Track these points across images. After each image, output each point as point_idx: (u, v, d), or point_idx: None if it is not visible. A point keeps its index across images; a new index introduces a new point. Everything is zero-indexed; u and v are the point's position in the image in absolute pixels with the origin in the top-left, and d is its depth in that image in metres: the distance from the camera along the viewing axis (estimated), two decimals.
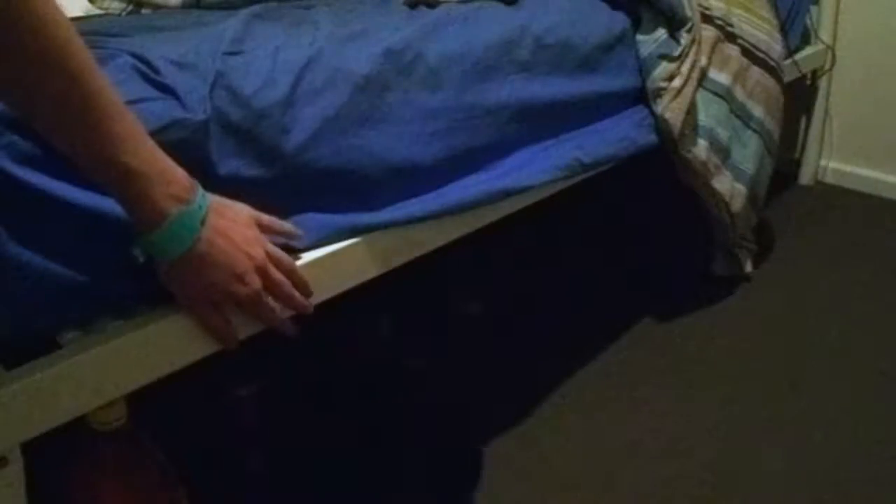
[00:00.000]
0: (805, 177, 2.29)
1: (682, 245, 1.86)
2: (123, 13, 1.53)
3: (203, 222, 0.77)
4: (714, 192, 1.55)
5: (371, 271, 1.04)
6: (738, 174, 1.59)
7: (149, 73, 0.87)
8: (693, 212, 1.62)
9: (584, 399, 1.38)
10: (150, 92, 0.85)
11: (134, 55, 0.89)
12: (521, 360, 1.51)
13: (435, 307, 1.69)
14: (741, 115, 1.59)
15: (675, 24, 1.44)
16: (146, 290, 0.88)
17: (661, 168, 1.52)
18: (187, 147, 0.86)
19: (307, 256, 0.97)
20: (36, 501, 0.80)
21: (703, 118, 1.50)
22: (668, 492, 1.17)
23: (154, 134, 0.82)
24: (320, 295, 0.99)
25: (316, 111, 0.97)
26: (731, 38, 1.58)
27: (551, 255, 1.91)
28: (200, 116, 0.86)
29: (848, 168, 2.24)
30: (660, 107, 1.42)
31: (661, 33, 1.44)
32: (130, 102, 0.82)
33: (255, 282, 0.84)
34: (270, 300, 0.87)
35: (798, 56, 1.95)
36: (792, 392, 1.39)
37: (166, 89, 0.86)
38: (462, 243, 1.17)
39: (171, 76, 0.87)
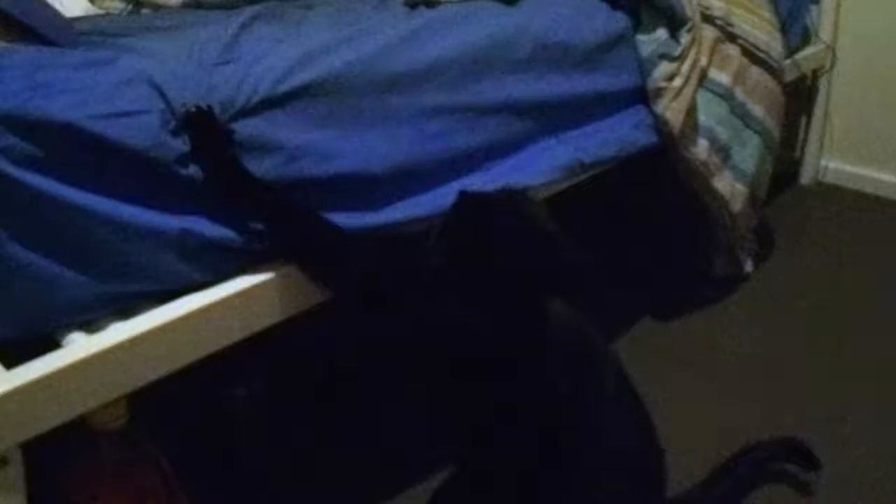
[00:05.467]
0: (805, 177, 2.29)
1: (682, 245, 1.86)
2: (124, 13, 1.54)
3: None
4: (714, 192, 1.54)
5: None
6: (738, 174, 1.59)
7: (146, 85, 0.87)
8: (693, 212, 1.62)
9: None
10: (145, 104, 0.85)
11: (137, 61, 0.90)
12: None
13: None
14: (741, 114, 1.59)
15: (675, 23, 1.44)
16: (146, 290, 0.89)
17: (661, 168, 1.52)
18: (179, 162, 0.86)
19: None
20: (36, 501, 0.80)
21: (703, 118, 1.50)
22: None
23: (142, 151, 0.82)
24: (319, 296, 0.99)
25: (311, 114, 0.97)
26: (732, 37, 1.58)
27: None
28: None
29: (848, 168, 2.24)
30: (660, 107, 1.42)
31: (662, 33, 1.44)
32: (125, 114, 0.83)
33: None
34: None
35: (798, 56, 1.95)
36: (792, 391, 1.39)
37: (158, 103, 0.86)
38: None
39: (165, 88, 0.87)
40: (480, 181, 1.16)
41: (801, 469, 1.20)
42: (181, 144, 0.86)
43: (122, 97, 0.84)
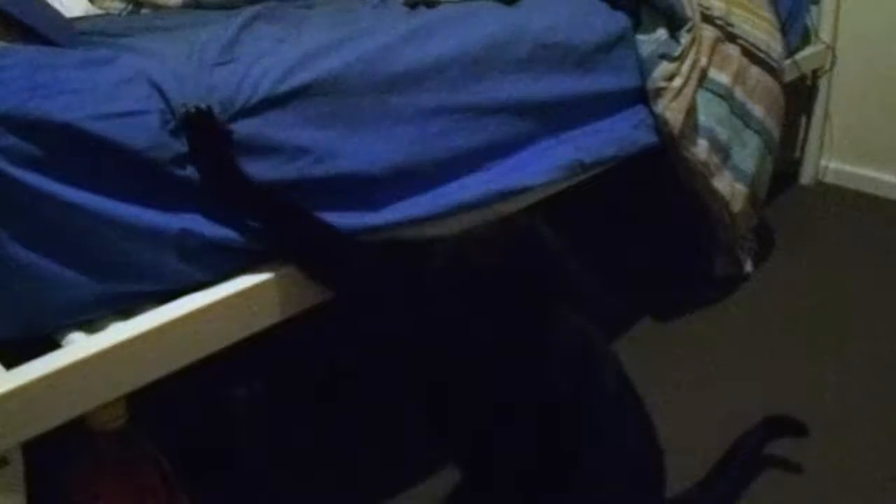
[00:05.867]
0: (805, 177, 2.29)
1: (682, 245, 1.86)
2: (123, 13, 1.54)
3: None
4: (714, 192, 1.54)
5: None
6: (738, 174, 1.59)
7: (146, 84, 0.87)
8: (693, 212, 1.62)
9: None
10: (145, 105, 0.85)
11: (138, 61, 0.90)
12: None
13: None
14: (741, 114, 1.59)
15: (675, 23, 1.44)
16: (146, 290, 0.89)
17: (661, 168, 1.52)
18: (178, 162, 0.86)
19: None
20: (36, 501, 0.80)
21: (703, 118, 1.50)
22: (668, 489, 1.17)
23: (142, 152, 0.82)
24: (319, 296, 0.99)
25: (311, 114, 0.97)
26: (732, 37, 1.58)
27: None
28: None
29: (848, 168, 2.24)
30: (660, 107, 1.42)
31: (662, 33, 1.44)
32: (126, 114, 0.82)
33: None
34: None
35: (798, 56, 1.95)
36: (792, 391, 1.39)
37: (158, 103, 0.86)
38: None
39: (165, 88, 0.87)
40: (480, 181, 1.16)
41: (792, 442, 1.22)
42: (181, 145, 0.86)
43: (121, 97, 0.84)
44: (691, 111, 1.46)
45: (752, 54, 1.61)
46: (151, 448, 0.96)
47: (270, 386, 1.33)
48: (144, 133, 0.83)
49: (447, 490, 1.18)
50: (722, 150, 1.54)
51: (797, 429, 1.21)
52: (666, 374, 1.43)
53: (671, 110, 1.42)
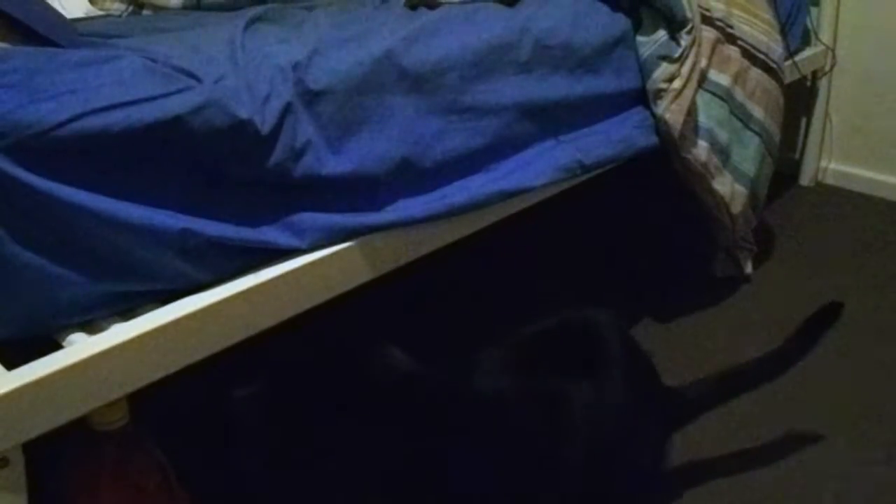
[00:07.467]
0: (805, 177, 2.29)
1: (682, 246, 1.86)
2: (124, 14, 1.54)
3: None
4: (714, 194, 1.55)
5: (371, 273, 1.04)
6: (738, 175, 1.59)
7: (151, 74, 0.87)
8: (693, 213, 1.62)
9: None
10: (161, 89, 0.85)
11: (142, 58, 0.90)
12: None
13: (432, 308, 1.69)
14: (741, 116, 1.59)
15: (675, 25, 1.44)
16: (146, 290, 0.89)
17: (662, 169, 1.52)
18: (190, 148, 0.86)
19: (307, 257, 0.98)
20: (36, 501, 0.80)
21: (703, 119, 1.50)
22: (668, 488, 1.17)
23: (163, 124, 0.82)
24: (320, 296, 1.00)
25: (314, 115, 0.98)
26: (731, 39, 1.58)
27: (552, 256, 1.91)
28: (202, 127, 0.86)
29: (848, 169, 2.24)
30: (660, 108, 1.42)
31: (662, 35, 1.44)
32: (141, 101, 0.82)
33: None
34: None
35: (798, 57, 1.95)
36: (792, 392, 1.39)
37: (174, 88, 0.86)
38: (463, 244, 1.17)
39: (172, 78, 0.87)
40: (481, 182, 1.16)
41: (791, 440, 1.23)
42: (197, 125, 0.86)
43: (125, 91, 0.84)
44: (691, 112, 1.46)
45: (752, 56, 1.61)
46: (151, 448, 0.96)
47: (270, 386, 1.33)
48: (154, 113, 0.83)
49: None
50: (722, 152, 1.54)
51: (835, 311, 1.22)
52: (665, 375, 1.43)
53: (671, 112, 1.42)
